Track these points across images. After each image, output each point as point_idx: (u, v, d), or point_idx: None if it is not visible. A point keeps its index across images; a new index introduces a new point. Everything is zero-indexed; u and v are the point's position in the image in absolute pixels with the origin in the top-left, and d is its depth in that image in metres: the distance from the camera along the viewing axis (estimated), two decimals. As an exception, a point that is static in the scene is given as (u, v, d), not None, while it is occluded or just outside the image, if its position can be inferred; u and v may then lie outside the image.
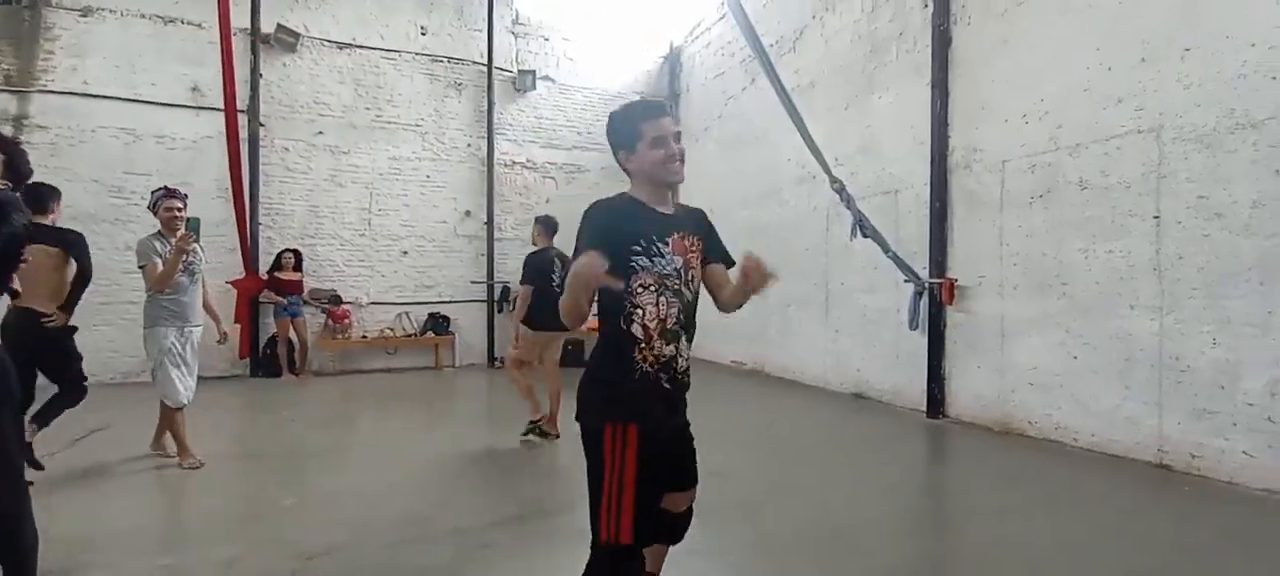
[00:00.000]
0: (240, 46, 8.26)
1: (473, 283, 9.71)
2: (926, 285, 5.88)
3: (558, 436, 4.99)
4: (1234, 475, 3.92)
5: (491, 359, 9.70)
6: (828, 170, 5.79)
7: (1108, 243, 4.66)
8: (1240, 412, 3.91)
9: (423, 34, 9.42)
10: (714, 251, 2.05)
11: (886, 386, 6.55)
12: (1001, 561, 3.00)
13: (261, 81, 8.55)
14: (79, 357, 4.20)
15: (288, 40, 8.64)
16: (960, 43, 5.80)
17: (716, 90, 9.75)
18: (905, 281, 6.00)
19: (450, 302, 9.57)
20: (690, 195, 10.54)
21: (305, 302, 8.47)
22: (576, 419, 1.88)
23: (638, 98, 10.72)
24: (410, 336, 9.19)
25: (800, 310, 7.73)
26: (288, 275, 8.23)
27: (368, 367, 8.96)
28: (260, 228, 8.52)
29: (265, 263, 8.40)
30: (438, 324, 9.37)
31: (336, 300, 8.79)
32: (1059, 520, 3.51)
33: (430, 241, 9.52)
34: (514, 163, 10.02)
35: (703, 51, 10.18)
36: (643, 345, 1.81)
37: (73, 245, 3.98)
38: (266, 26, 8.52)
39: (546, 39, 10.21)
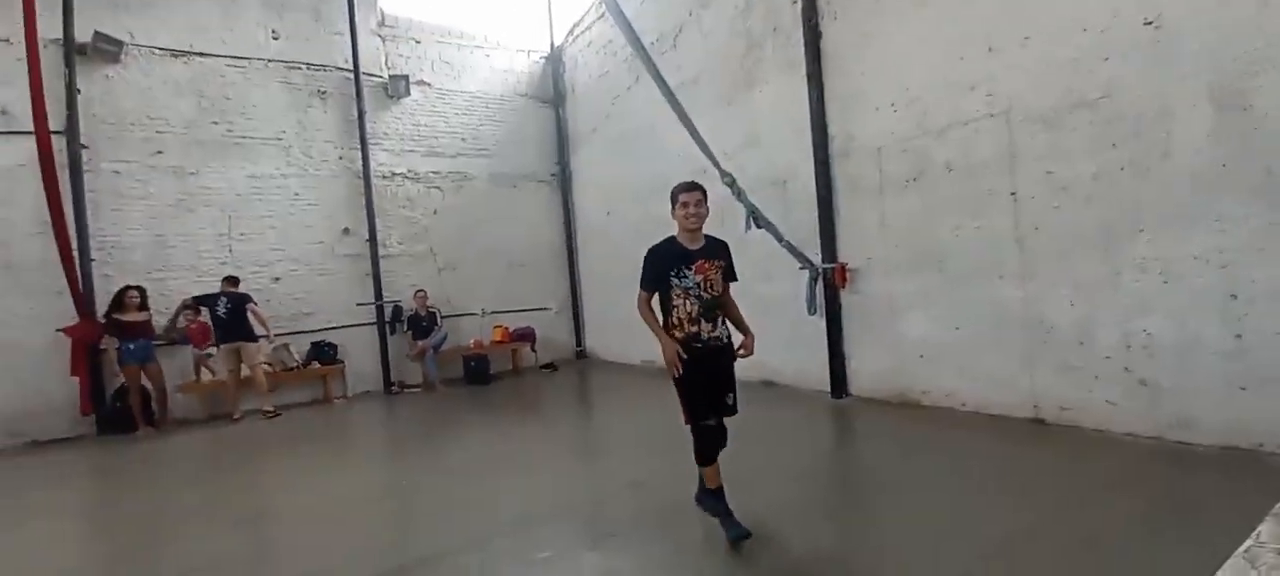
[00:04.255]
0: (51, 59, 7.15)
1: (359, 304, 8.99)
2: (820, 270, 6.09)
3: None
4: (1099, 423, 4.34)
5: (388, 384, 9.04)
6: (717, 164, 5.81)
7: (974, 219, 5.01)
8: (1099, 366, 4.33)
9: (274, 39, 8.56)
10: (728, 273, 3.33)
11: (792, 371, 6.74)
12: (907, 534, 3.11)
13: (79, 97, 7.41)
14: None
15: (109, 50, 7.55)
16: (830, 36, 6.03)
17: (602, 90, 9.63)
18: (800, 268, 6.17)
19: (335, 328, 8.81)
20: (583, 195, 10.40)
21: (158, 343, 7.43)
22: None
23: (523, 99, 10.45)
24: (291, 370, 8.35)
25: (702, 304, 7.77)
26: (131, 316, 7.17)
27: (246, 408, 8.01)
28: (93, 264, 7.40)
29: (104, 303, 7.30)
30: (323, 352, 8.59)
31: (197, 311, 7.66)
32: (954, 486, 3.71)
33: (305, 264, 8.70)
34: (393, 173, 9.38)
35: (585, 51, 10.02)
36: (676, 327, 3.20)
37: None
38: (82, 35, 7.39)
39: (418, 41, 9.62)
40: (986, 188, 4.91)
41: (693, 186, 3.20)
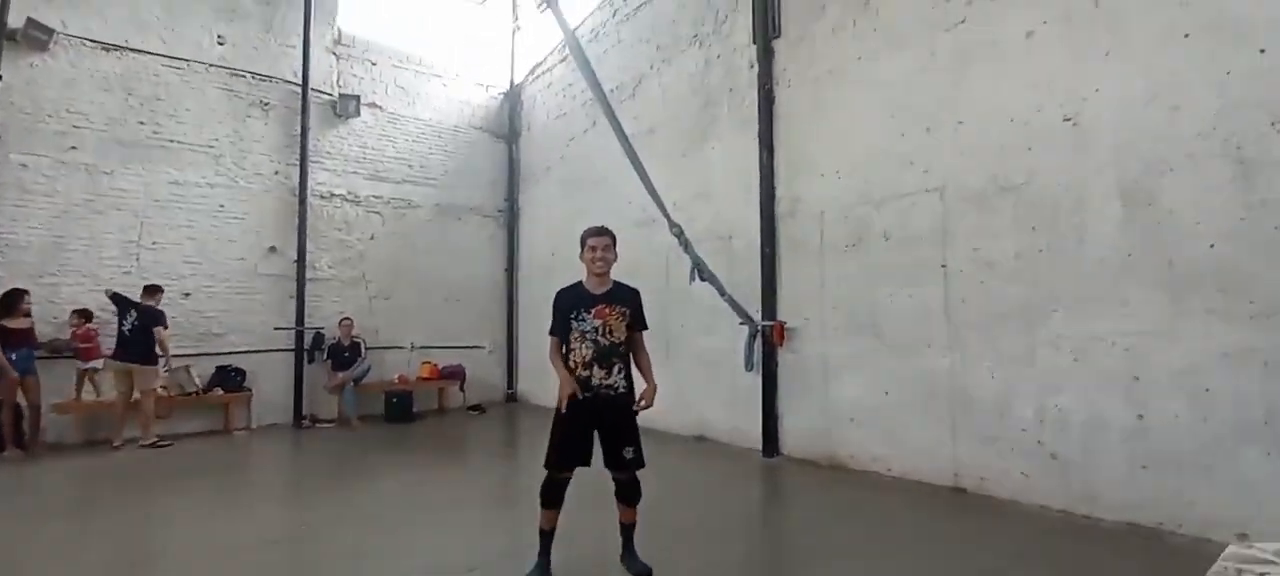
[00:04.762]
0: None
1: (277, 329, 8.44)
2: (759, 327, 6.13)
3: None
4: (1014, 493, 4.45)
5: (299, 417, 8.43)
6: (667, 214, 5.86)
7: (907, 288, 5.19)
8: (1015, 438, 4.47)
9: (220, 44, 8.21)
10: (636, 320, 3.32)
11: (726, 427, 6.69)
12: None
13: (0, 85, 6.83)
14: None
15: (39, 38, 7.05)
16: (783, 102, 6.26)
17: (558, 130, 9.67)
18: (741, 324, 6.21)
19: (246, 353, 8.20)
20: (530, 233, 10.26)
21: (40, 355, 6.70)
22: None
23: (477, 132, 10.35)
24: (190, 394, 7.67)
25: (641, 353, 7.69)
26: (16, 321, 6.46)
27: (128, 435, 7.24)
28: (-20, 263, 6.69)
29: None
30: (228, 378, 7.96)
31: (87, 316, 7.03)
32: (877, 554, 3.69)
33: (222, 281, 8.13)
34: (332, 194, 9.01)
35: (544, 91, 10.08)
36: (571, 371, 3.18)
37: None
38: (15, 21, 6.89)
39: (373, 63, 9.44)
40: (920, 258, 5.10)
41: (601, 231, 3.25)
